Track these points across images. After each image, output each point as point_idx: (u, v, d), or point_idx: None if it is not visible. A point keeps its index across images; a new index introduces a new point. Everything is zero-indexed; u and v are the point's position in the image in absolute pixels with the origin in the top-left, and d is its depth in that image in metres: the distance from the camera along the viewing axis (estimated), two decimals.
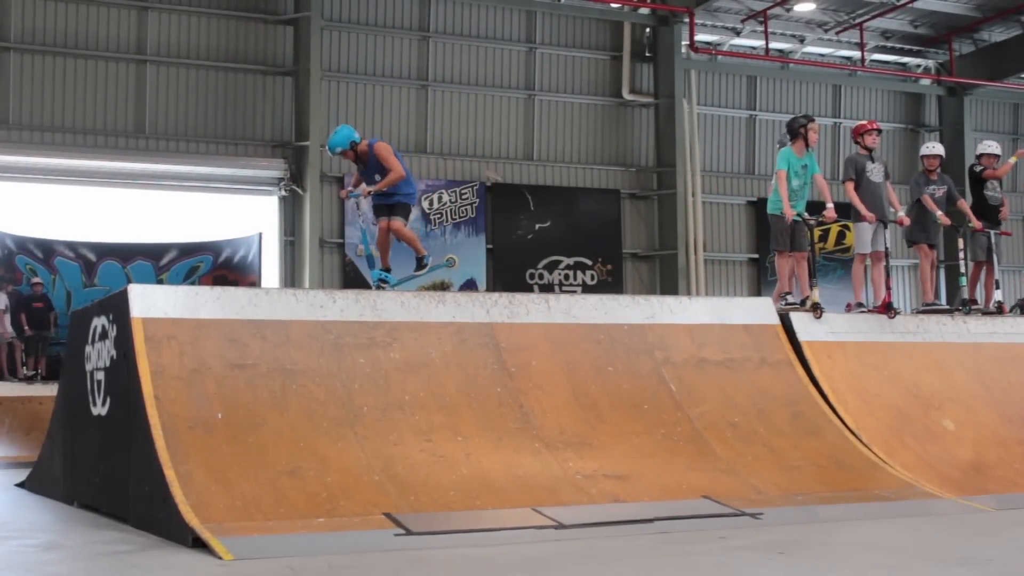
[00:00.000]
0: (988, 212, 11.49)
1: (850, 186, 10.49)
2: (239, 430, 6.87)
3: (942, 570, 5.50)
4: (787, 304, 9.97)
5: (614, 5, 22.81)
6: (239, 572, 5.40)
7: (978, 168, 11.67)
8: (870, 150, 10.65)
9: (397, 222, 9.83)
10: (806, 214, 10.14)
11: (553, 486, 7.14)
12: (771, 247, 10.58)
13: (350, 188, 10.19)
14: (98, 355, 7.78)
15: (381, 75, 21.28)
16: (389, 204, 9.86)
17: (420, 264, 10.20)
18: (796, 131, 10.17)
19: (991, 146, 11.74)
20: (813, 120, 10.24)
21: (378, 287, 9.76)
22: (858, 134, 10.75)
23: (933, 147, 11.39)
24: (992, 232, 11.39)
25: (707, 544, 6.09)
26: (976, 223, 11.17)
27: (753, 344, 8.99)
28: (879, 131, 10.76)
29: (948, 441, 8.83)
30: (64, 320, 17.61)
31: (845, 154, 22.65)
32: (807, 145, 10.17)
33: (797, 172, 10.10)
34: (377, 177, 9.74)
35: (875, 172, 10.59)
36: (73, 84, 19.33)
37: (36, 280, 18.74)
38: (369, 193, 9.78)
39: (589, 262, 22.50)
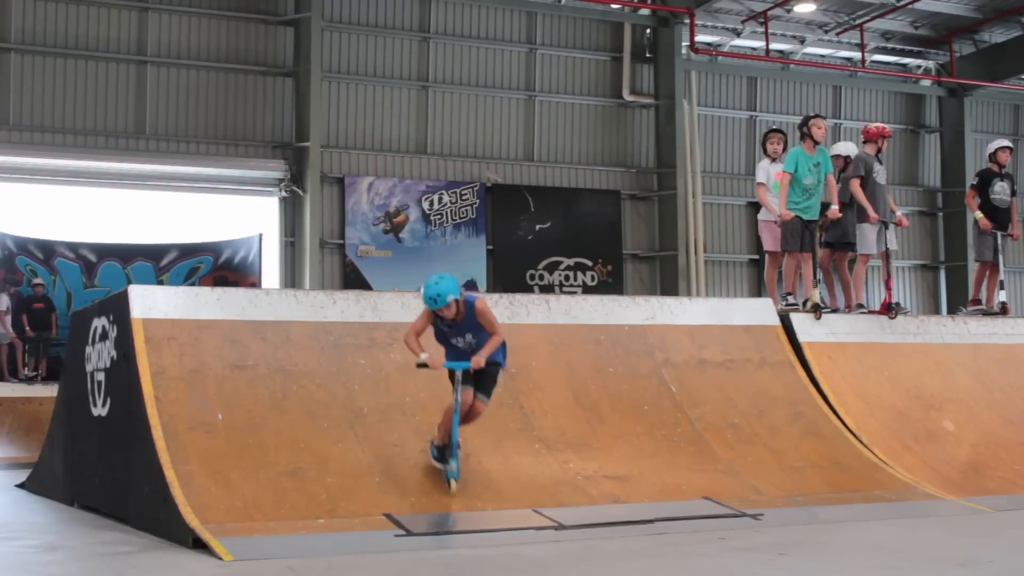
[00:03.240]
0: (995, 213, 11.51)
1: (857, 183, 10.42)
2: (239, 431, 6.87)
3: (943, 571, 5.49)
4: (788, 305, 9.97)
5: (614, 6, 22.79)
6: (239, 573, 5.40)
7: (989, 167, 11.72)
8: (879, 152, 10.67)
9: (483, 405, 7.26)
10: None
11: (553, 487, 7.14)
12: (781, 248, 10.41)
13: (424, 354, 7.09)
14: (98, 356, 7.78)
15: (381, 76, 21.26)
16: (480, 372, 7.16)
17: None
18: (801, 132, 10.18)
19: (1002, 141, 11.77)
20: (815, 117, 10.22)
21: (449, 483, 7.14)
22: (872, 137, 10.71)
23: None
24: (999, 234, 11.43)
25: (707, 545, 6.09)
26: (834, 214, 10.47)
27: (753, 345, 9.00)
28: (888, 137, 10.84)
29: (949, 442, 8.83)
30: (65, 321, 17.59)
31: None
32: (815, 142, 10.15)
33: (810, 170, 10.08)
34: (469, 337, 7.22)
35: (880, 174, 10.60)
36: (73, 85, 19.31)
37: (37, 281, 18.71)
38: (477, 366, 7.09)
39: (589, 263, 22.49)
